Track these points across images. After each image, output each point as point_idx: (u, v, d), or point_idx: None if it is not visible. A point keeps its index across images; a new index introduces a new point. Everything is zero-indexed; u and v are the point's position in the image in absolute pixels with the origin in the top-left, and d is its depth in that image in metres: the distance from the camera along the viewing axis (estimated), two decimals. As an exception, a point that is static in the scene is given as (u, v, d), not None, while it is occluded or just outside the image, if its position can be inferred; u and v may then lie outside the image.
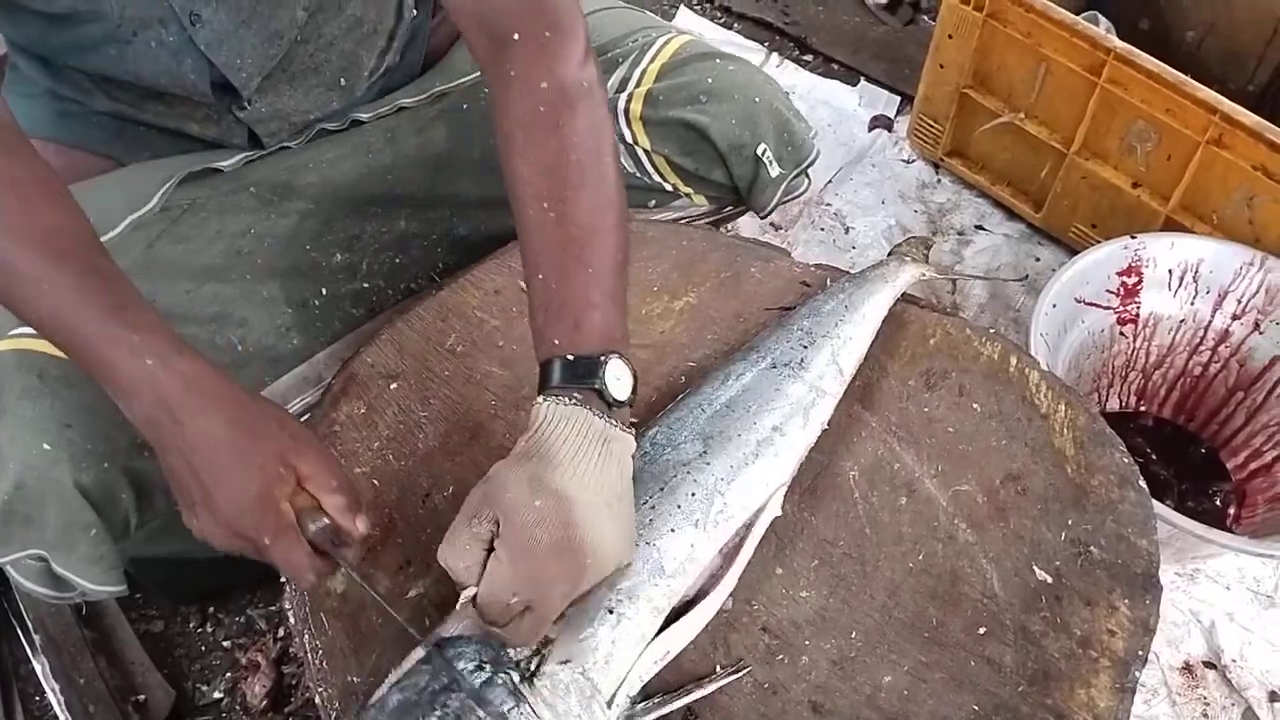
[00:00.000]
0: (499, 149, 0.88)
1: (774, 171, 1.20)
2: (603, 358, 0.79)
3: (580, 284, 0.81)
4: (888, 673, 0.82)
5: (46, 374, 0.90)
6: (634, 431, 0.81)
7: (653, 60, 1.19)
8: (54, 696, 1.29)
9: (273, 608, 1.41)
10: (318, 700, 0.82)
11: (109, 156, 1.08)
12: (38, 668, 1.32)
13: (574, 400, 0.77)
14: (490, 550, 0.74)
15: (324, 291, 1.09)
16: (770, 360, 0.97)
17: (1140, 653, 0.84)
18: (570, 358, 0.79)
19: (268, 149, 1.10)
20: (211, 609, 1.42)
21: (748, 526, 0.87)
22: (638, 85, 1.18)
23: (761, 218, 1.28)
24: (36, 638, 1.32)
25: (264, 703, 1.30)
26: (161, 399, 0.76)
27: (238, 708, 1.33)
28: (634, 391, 0.81)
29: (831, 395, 0.96)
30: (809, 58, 2.26)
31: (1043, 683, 0.82)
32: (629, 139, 1.19)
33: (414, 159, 1.15)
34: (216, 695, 1.35)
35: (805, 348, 0.97)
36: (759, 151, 1.18)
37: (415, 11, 1.15)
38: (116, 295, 0.79)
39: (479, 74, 1.18)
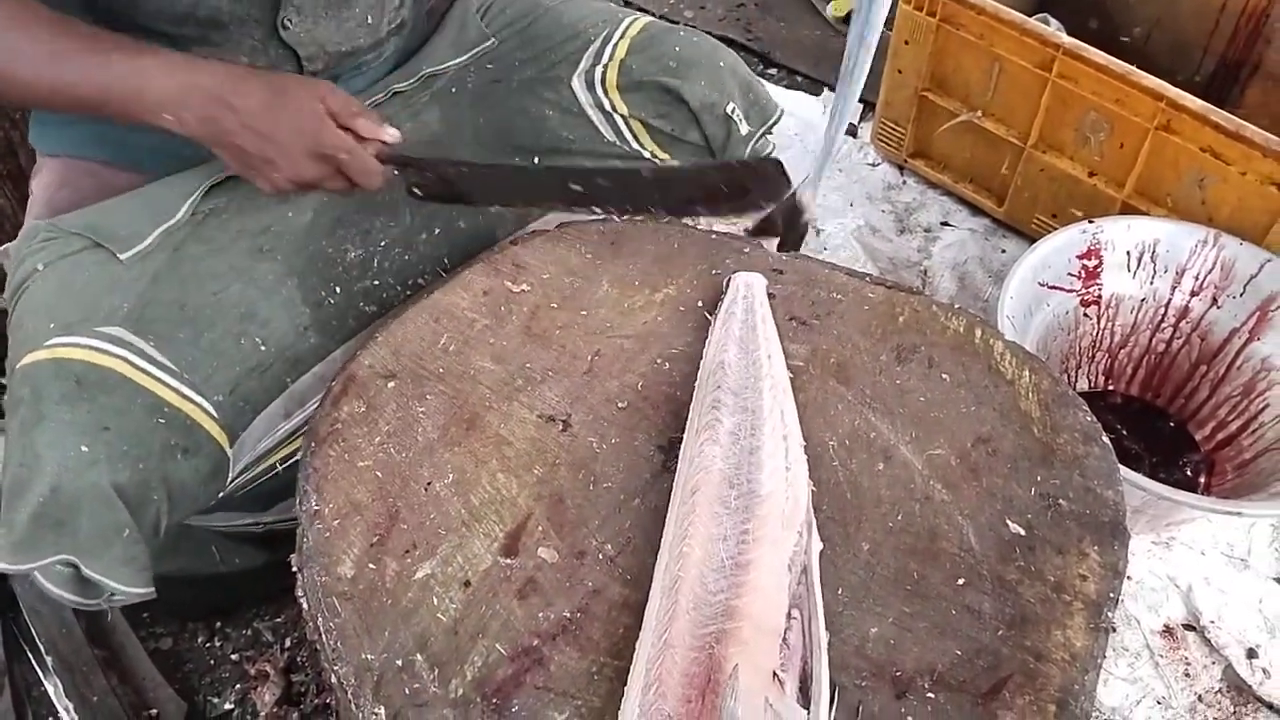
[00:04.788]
0: None
1: (743, 129, 1.30)
2: None
3: None
4: (874, 624, 0.87)
5: (85, 380, 0.93)
6: None
7: (622, 36, 1.29)
8: (67, 716, 1.31)
9: (279, 619, 1.44)
10: (333, 680, 0.85)
11: (143, 172, 1.14)
12: (50, 689, 1.34)
13: None
14: None
15: (338, 290, 1.14)
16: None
17: (1111, 595, 0.89)
18: None
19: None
20: (219, 624, 1.45)
21: None
22: (611, 58, 1.28)
23: None
24: (49, 659, 1.34)
25: (276, 709, 1.33)
26: (210, 93, 0.95)
27: (249, 717, 1.36)
28: None
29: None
30: (773, 71, 2.33)
31: (1020, 626, 0.87)
32: (608, 106, 1.28)
33: (411, 142, 1.21)
34: (228, 706, 1.37)
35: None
36: (729, 110, 1.28)
37: None
38: (125, 43, 0.96)
39: (463, 58, 1.29)
